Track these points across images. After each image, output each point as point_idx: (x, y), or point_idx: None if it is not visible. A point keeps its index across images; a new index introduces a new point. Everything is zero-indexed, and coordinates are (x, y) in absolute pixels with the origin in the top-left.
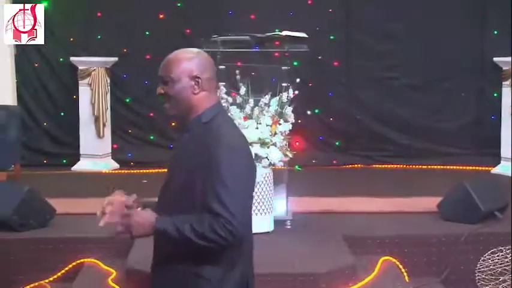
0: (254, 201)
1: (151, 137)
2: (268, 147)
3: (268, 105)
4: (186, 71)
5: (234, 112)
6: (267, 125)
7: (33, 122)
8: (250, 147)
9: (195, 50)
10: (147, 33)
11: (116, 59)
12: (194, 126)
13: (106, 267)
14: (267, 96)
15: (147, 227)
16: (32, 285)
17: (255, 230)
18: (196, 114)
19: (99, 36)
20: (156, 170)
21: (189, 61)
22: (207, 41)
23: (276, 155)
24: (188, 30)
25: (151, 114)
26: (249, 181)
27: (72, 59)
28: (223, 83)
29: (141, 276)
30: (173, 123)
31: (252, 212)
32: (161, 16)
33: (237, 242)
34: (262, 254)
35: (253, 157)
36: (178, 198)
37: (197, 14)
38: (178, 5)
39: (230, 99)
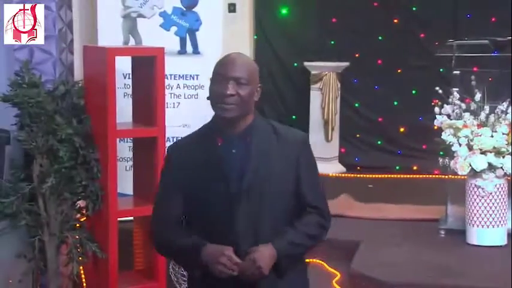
0: (486, 213)
1: (379, 142)
2: (503, 157)
3: (505, 112)
4: (257, 77)
5: (467, 119)
6: (503, 134)
7: None
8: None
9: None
10: (380, 38)
11: (347, 63)
12: (255, 130)
13: (331, 269)
14: (504, 103)
15: (272, 260)
16: None
17: (487, 243)
18: (250, 121)
19: (332, 42)
20: (383, 175)
21: (256, 68)
22: (441, 45)
23: None
24: (422, 35)
25: (380, 119)
26: None
27: (305, 63)
28: (457, 89)
29: (365, 280)
30: (402, 129)
31: (484, 224)
32: (395, 21)
33: None
34: (489, 267)
35: (487, 166)
36: (273, 205)
37: (433, 17)
38: (414, 8)
39: (463, 106)
